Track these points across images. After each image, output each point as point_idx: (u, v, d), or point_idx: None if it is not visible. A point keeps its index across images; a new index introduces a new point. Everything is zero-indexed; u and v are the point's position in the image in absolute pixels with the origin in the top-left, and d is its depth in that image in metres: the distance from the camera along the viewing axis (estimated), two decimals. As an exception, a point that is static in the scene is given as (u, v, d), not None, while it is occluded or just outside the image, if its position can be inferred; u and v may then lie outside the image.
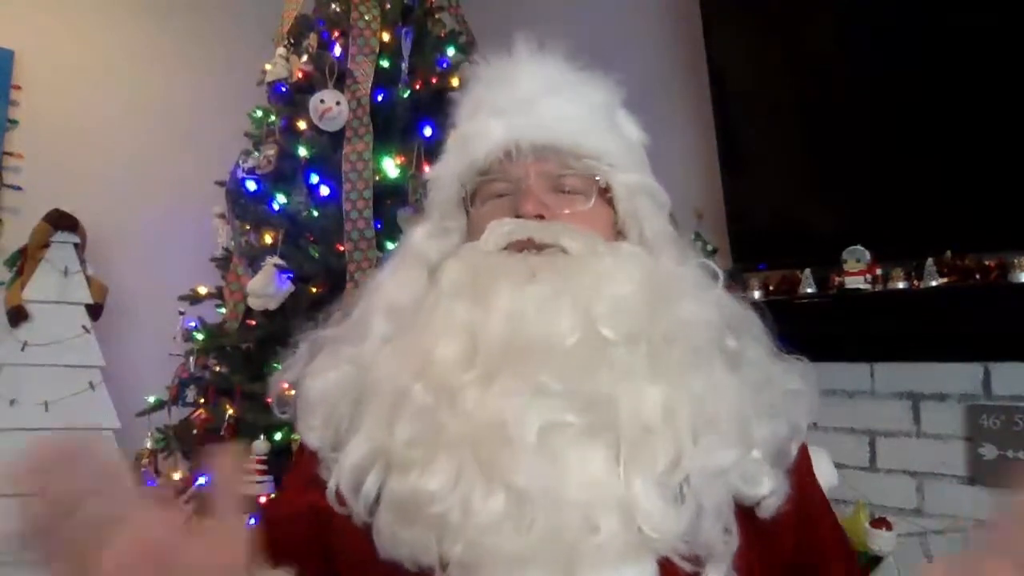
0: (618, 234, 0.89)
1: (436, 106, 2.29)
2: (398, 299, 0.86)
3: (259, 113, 2.55)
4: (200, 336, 2.44)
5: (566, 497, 0.67)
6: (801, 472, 0.82)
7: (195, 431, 2.32)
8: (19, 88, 3.15)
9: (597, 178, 0.86)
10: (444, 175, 0.92)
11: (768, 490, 0.75)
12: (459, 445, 0.70)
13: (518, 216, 0.83)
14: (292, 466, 0.94)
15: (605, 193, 0.87)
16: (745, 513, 0.74)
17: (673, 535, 0.68)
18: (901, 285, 2.01)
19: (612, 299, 0.76)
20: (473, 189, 0.89)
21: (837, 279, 2.10)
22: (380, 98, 2.35)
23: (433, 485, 0.69)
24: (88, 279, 2.96)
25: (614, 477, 0.69)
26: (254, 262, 2.31)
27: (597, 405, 0.71)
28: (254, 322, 2.34)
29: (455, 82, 2.34)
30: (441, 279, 0.82)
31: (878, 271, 2.06)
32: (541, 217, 0.83)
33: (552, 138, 0.85)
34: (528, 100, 0.86)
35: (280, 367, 0.89)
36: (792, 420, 0.81)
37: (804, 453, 0.87)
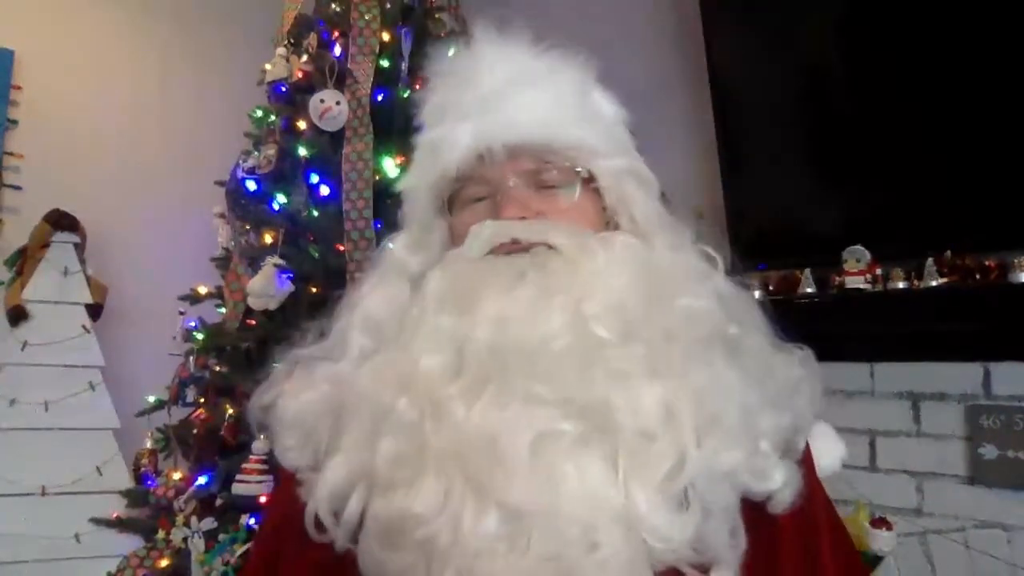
0: (607, 223, 0.85)
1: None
2: (379, 313, 0.82)
3: (259, 113, 2.55)
4: (200, 336, 2.44)
5: (563, 513, 0.63)
6: (806, 468, 0.77)
7: (195, 431, 2.32)
8: (19, 88, 3.15)
9: (578, 169, 0.82)
10: (418, 186, 0.88)
11: (780, 483, 0.71)
12: (447, 462, 0.66)
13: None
14: (266, 508, 0.89)
15: (589, 182, 0.83)
16: (752, 511, 0.70)
17: (679, 544, 0.64)
18: (901, 285, 2.01)
19: (605, 296, 0.72)
20: (450, 196, 0.85)
21: (837, 279, 2.10)
22: (380, 98, 2.35)
23: (420, 507, 0.65)
24: (88, 279, 2.96)
25: (613, 488, 0.65)
26: (254, 262, 2.31)
27: (592, 411, 0.67)
28: (254, 322, 2.34)
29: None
30: (424, 290, 0.78)
31: (878, 271, 2.06)
32: (524, 219, 0.80)
33: (524, 135, 0.80)
34: (494, 97, 0.81)
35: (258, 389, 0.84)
36: (797, 412, 0.77)
37: (808, 452, 0.83)
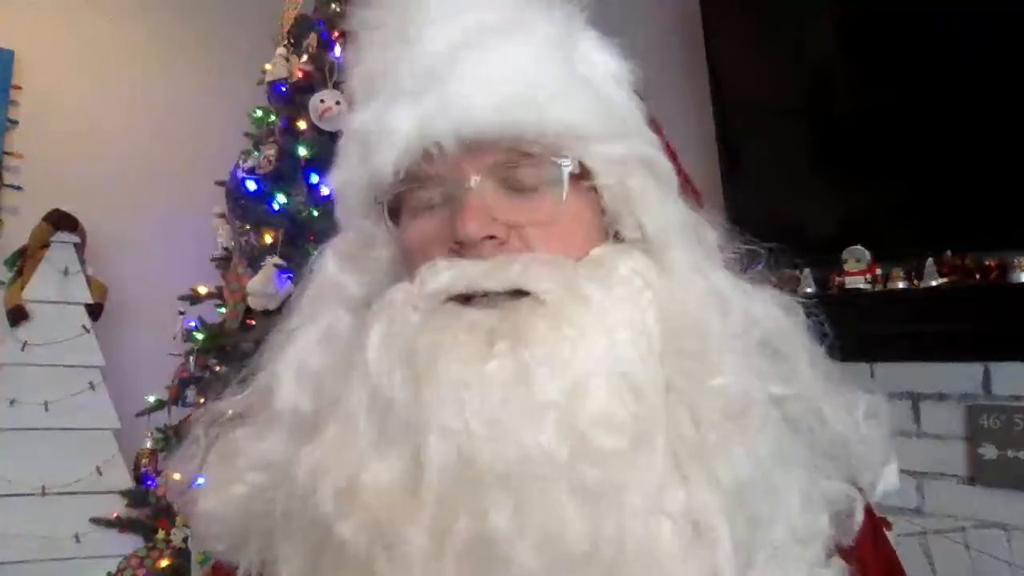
0: (607, 233, 0.64)
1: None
2: (315, 360, 0.63)
3: (259, 113, 2.56)
4: (200, 336, 2.45)
5: None
6: (868, 547, 0.63)
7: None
8: (19, 88, 3.15)
9: (564, 163, 0.59)
10: (350, 183, 0.66)
11: None
12: None
13: (457, 241, 0.58)
14: None
15: (582, 178, 0.61)
16: None
17: None
18: (901, 285, 2.01)
19: (609, 376, 0.53)
20: (392, 201, 0.63)
21: (837, 279, 2.10)
22: (380, 98, 2.35)
23: None
24: (88, 279, 2.96)
25: None
26: (254, 262, 2.31)
27: (600, 562, 0.50)
28: (254, 322, 2.34)
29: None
30: (364, 345, 0.57)
31: (878, 271, 2.06)
32: (492, 237, 0.58)
33: (484, 123, 0.57)
34: (442, 63, 0.58)
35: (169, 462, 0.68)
36: (855, 474, 0.62)
37: (869, 516, 0.65)
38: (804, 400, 0.61)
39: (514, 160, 0.59)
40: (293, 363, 0.64)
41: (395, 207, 0.63)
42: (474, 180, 0.58)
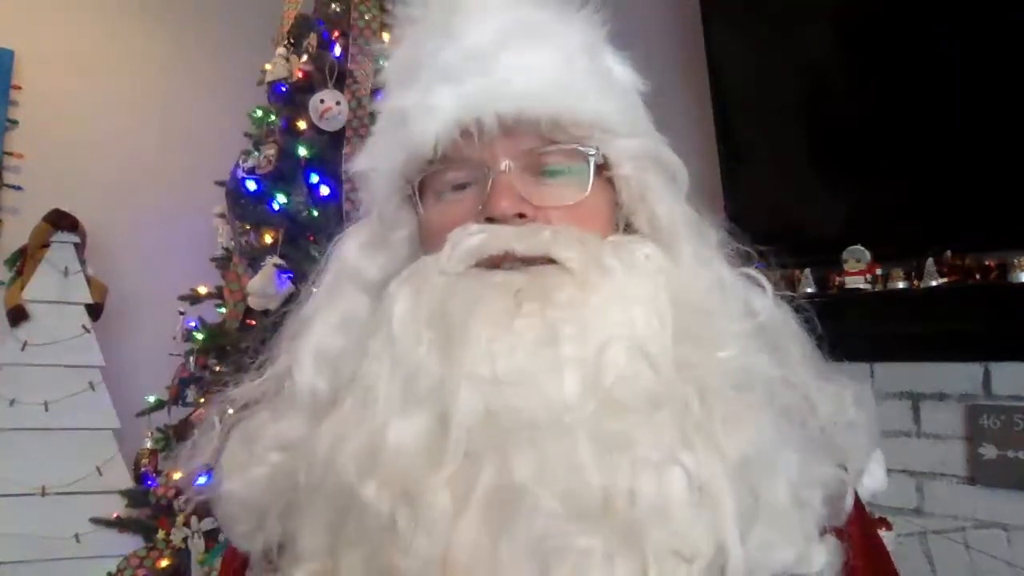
0: (619, 225, 0.68)
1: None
2: (332, 343, 0.65)
3: (259, 113, 2.56)
4: (200, 336, 2.45)
5: None
6: (857, 530, 0.65)
7: (195, 431, 2.32)
8: (19, 88, 3.15)
9: (591, 152, 0.64)
10: (379, 167, 0.69)
11: (819, 566, 0.58)
12: None
13: (488, 218, 0.61)
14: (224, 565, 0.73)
15: (603, 170, 0.66)
16: None
17: None
18: (901, 285, 2.01)
19: (629, 342, 0.56)
20: (421, 181, 0.66)
21: (837, 279, 2.10)
22: (380, 98, 2.35)
23: None
24: (88, 279, 2.96)
25: None
26: (254, 262, 2.31)
27: (615, 511, 0.52)
28: (254, 322, 2.34)
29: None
30: (389, 314, 0.59)
31: (878, 271, 2.06)
32: (521, 216, 0.62)
33: (524, 104, 0.62)
34: (485, 53, 0.63)
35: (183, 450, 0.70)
36: (845, 458, 0.64)
37: (858, 505, 0.67)
38: (798, 388, 0.64)
39: (544, 147, 0.63)
40: (311, 347, 0.65)
41: (422, 188, 0.66)
42: (505, 163, 0.62)
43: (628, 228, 0.68)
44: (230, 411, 0.69)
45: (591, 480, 0.52)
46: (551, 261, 0.60)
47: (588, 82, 0.66)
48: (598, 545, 0.51)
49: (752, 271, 0.70)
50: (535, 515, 0.50)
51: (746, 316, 0.65)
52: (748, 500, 0.55)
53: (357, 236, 0.72)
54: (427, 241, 0.66)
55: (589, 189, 0.64)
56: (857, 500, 0.67)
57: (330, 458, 0.56)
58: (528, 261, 0.60)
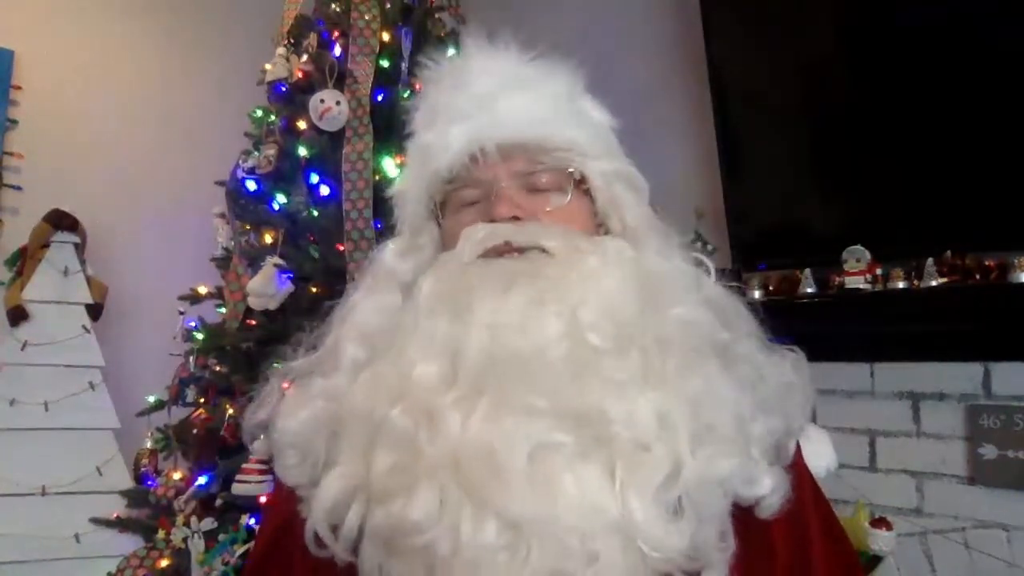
0: (599, 226, 0.87)
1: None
2: (371, 323, 0.82)
3: (259, 113, 2.55)
4: (200, 336, 2.45)
5: (562, 523, 0.64)
6: (797, 472, 0.78)
7: (195, 431, 2.32)
8: (19, 88, 3.15)
9: (570, 170, 0.84)
10: (409, 189, 0.89)
11: (768, 489, 0.72)
12: (442, 471, 0.66)
13: (492, 221, 0.80)
14: (265, 512, 0.86)
15: (581, 185, 0.85)
16: (741, 515, 0.72)
17: (675, 552, 0.65)
18: (901, 285, 2.01)
19: (599, 302, 0.73)
20: (442, 199, 0.86)
21: (837, 279, 2.10)
22: (380, 98, 2.35)
23: (417, 514, 0.64)
24: (88, 279, 2.96)
25: (611, 498, 0.65)
26: (254, 262, 2.31)
27: (589, 421, 0.67)
28: (254, 322, 2.34)
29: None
30: (417, 296, 0.77)
31: (878, 271, 2.06)
32: (517, 219, 0.80)
33: (517, 135, 0.82)
34: (486, 99, 0.83)
35: (252, 402, 0.85)
36: (788, 416, 0.79)
37: (799, 454, 0.84)
38: (747, 359, 0.78)
39: (534, 167, 0.83)
40: (355, 326, 0.83)
41: (442, 205, 0.87)
42: (505, 181, 0.82)
43: (605, 232, 0.87)
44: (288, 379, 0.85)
45: (570, 395, 0.68)
46: (542, 251, 0.78)
47: (566, 117, 0.86)
48: (575, 441, 0.66)
49: (702, 257, 0.88)
50: (526, 420, 0.66)
51: (697, 290, 0.81)
52: (700, 429, 0.69)
53: (393, 245, 0.90)
54: (447, 244, 0.84)
55: (569, 197, 0.84)
56: (798, 450, 0.84)
57: (367, 395, 0.72)
58: (523, 250, 0.78)
